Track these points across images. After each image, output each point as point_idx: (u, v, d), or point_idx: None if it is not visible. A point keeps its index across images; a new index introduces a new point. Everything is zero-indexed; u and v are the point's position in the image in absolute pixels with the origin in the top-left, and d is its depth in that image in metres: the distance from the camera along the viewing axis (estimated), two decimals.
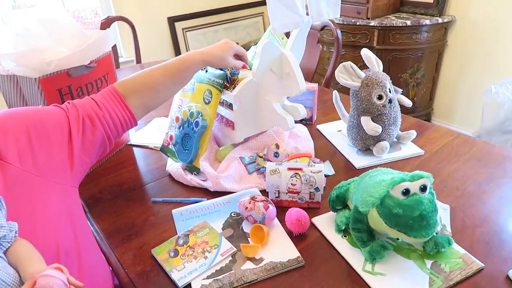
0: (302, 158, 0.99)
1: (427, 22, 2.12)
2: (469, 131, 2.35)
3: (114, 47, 2.05)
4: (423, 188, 0.64)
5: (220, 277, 0.69)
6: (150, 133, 1.25)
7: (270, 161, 0.97)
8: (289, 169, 0.83)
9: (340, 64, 0.98)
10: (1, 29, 0.86)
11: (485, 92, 1.78)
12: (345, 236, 0.77)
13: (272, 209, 0.78)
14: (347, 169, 1.00)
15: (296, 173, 0.83)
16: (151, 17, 2.64)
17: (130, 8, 2.52)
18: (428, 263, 0.70)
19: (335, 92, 1.13)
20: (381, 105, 0.97)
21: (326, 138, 1.16)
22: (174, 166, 1.01)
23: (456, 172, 0.96)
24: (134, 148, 1.18)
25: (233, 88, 0.94)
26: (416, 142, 1.09)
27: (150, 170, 1.06)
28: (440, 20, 2.14)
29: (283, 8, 0.71)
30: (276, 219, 0.81)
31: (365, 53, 1.00)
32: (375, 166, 1.00)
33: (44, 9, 0.87)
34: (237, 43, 0.91)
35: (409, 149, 1.06)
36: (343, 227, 0.76)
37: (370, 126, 0.97)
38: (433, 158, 1.03)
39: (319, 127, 1.21)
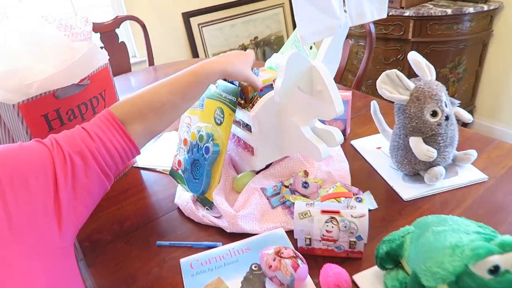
0: (337, 187, 0.82)
1: (471, 10, 1.86)
2: None
3: (124, 47, 1.91)
4: None
5: None
6: (159, 152, 1.10)
7: (298, 193, 0.81)
8: (324, 212, 0.66)
9: (383, 74, 0.79)
10: None
11: None
12: None
13: (303, 268, 0.62)
14: (391, 201, 0.82)
15: (333, 218, 0.66)
16: (165, 13, 2.49)
17: (142, 4, 2.37)
18: None
19: (373, 103, 0.94)
20: (436, 124, 0.77)
21: (363, 157, 0.97)
22: (183, 199, 0.85)
23: None
24: (141, 172, 1.03)
25: (251, 107, 0.77)
26: (476, 163, 0.89)
27: (157, 201, 0.91)
28: (485, 8, 1.88)
29: (315, 11, 0.53)
30: (308, 276, 0.65)
31: (414, 57, 0.80)
32: (428, 198, 0.81)
33: (21, 18, 0.72)
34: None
35: (468, 174, 0.86)
36: None
37: (422, 150, 0.78)
38: (500, 186, 0.83)
39: (354, 143, 1.02)
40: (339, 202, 0.73)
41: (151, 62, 1.97)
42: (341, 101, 0.63)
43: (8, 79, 0.70)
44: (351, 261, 0.69)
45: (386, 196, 0.84)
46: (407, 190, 0.83)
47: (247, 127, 0.80)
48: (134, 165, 1.05)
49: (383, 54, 2.06)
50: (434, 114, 0.77)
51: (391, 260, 0.61)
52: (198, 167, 0.84)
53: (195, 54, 2.67)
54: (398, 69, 2.00)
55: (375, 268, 0.66)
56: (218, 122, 0.80)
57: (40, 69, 0.72)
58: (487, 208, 0.77)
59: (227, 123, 0.78)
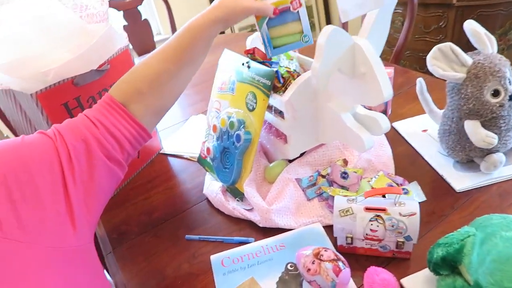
0: (380, 177, 0.75)
1: None
2: None
3: (148, 25, 1.85)
4: None
5: None
6: (186, 138, 1.05)
7: (336, 184, 0.74)
8: (367, 209, 0.59)
9: (434, 48, 0.69)
10: None
11: None
12: None
13: (346, 272, 0.55)
14: (442, 193, 0.73)
15: (378, 216, 0.58)
16: None
17: None
18: None
19: (420, 81, 0.84)
20: (498, 105, 0.67)
21: (407, 142, 0.88)
22: (212, 189, 0.80)
23: None
24: (168, 159, 0.99)
25: (284, 91, 0.70)
26: None
27: (186, 190, 0.87)
28: None
29: None
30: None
31: (471, 27, 0.69)
32: (484, 188, 0.72)
33: (34, 2, 0.67)
34: None
35: None
36: None
37: (480, 135, 0.68)
38: None
39: (396, 125, 0.93)
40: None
41: None
42: (389, 84, 0.54)
43: (23, 67, 0.66)
44: (398, 261, 0.62)
45: (435, 186, 0.75)
46: (460, 180, 0.74)
47: (280, 113, 0.73)
48: (160, 152, 1.01)
49: (423, 21, 1.88)
50: (495, 93, 0.67)
51: (447, 266, 0.53)
52: (228, 155, 0.78)
53: None
54: (441, 38, 1.82)
55: (426, 271, 0.58)
56: (250, 107, 0.73)
57: (55, 56, 0.68)
58: None
59: (260, 109, 0.71)
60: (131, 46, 0.85)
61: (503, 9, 1.73)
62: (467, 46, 0.72)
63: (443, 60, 0.69)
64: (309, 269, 0.56)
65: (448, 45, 0.68)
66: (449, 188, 0.74)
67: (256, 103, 0.73)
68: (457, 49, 0.68)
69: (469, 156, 0.75)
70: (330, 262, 0.55)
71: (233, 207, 0.75)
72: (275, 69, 0.70)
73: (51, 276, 0.45)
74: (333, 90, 0.61)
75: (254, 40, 0.84)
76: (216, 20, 0.61)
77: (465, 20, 0.70)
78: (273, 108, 0.74)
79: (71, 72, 0.69)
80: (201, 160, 0.90)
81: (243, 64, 0.76)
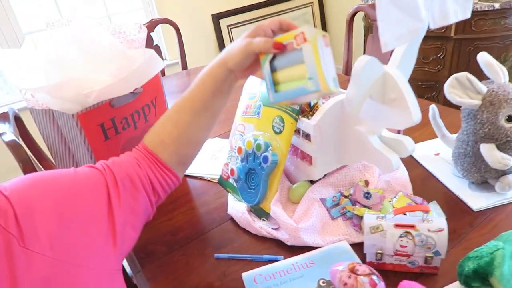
0: (400, 197, 0.78)
1: None
2: None
3: (159, 50, 1.91)
4: None
5: None
6: (203, 160, 1.08)
7: (359, 204, 0.77)
8: (397, 226, 0.62)
9: (451, 77, 0.74)
10: (32, 56, 0.72)
11: None
12: None
13: (381, 286, 0.58)
14: (460, 212, 0.77)
15: (408, 232, 0.62)
16: (194, 15, 2.49)
17: (172, 8, 2.37)
18: None
19: (432, 108, 0.89)
20: (511, 130, 0.72)
21: (421, 164, 0.92)
22: (238, 209, 0.83)
23: None
24: (188, 180, 1.01)
25: (312, 115, 0.74)
26: None
27: (209, 211, 0.89)
28: None
29: (399, 14, 0.49)
30: None
31: (485, 58, 0.75)
32: (499, 208, 0.76)
33: (78, 26, 0.71)
34: None
35: None
36: None
37: (496, 157, 0.73)
38: None
39: None
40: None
41: (184, 65, 1.97)
42: (418, 109, 0.59)
43: (66, 88, 0.69)
44: (426, 276, 0.64)
45: (453, 206, 0.79)
46: (477, 200, 0.78)
47: (307, 137, 0.77)
48: None
49: (422, 52, 1.98)
50: (510, 119, 0.72)
51: (479, 278, 0.56)
52: (253, 176, 0.81)
53: None
54: (439, 69, 1.91)
55: (455, 284, 0.61)
56: (277, 131, 0.77)
57: (97, 78, 0.71)
58: None
59: (288, 132, 0.75)
60: None
61: (499, 42, 1.84)
62: None
63: (459, 88, 0.74)
64: (345, 283, 0.58)
65: (464, 75, 0.73)
66: (466, 207, 0.78)
67: (283, 126, 0.76)
68: (473, 78, 0.73)
69: (484, 178, 0.79)
70: (366, 276, 0.58)
71: (260, 226, 0.78)
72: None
73: None
74: (362, 115, 0.65)
75: None
76: (218, 62, 0.61)
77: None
78: (300, 131, 0.78)
79: (110, 94, 0.73)
80: (222, 181, 0.92)
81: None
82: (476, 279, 0.57)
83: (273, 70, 0.59)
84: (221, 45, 2.62)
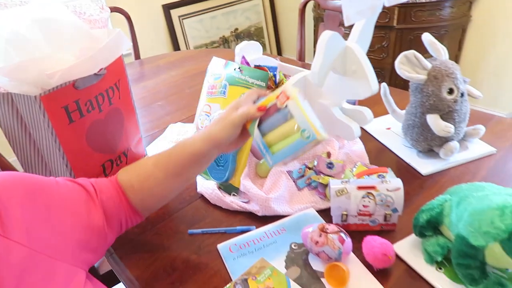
0: (359, 166, 0.85)
1: None
2: (500, 113, 2.22)
3: None
4: None
5: None
6: (167, 144, 1.08)
7: (323, 174, 0.82)
8: (360, 188, 0.68)
9: (401, 54, 0.82)
10: None
11: None
12: (440, 268, 0.62)
13: (349, 242, 0.64)
14: (411, 177, 0.86)
15: (369, 193, 0.68)
16: (145, 5, 2.43)
17: None
18: None
19: (383, 85, 0.98)
20: (452, 101, 0.81)
21: (375, 138, 1.01)
22: (208, 186, 0.85)
23: None
24: None
25: None
26: (482, 138, 0.94)
27: None
28: None
29: None
30: None
31: (429, 38, 0.84)
32: (444, 171, 0.86)
33: (38, 5, 0.68)
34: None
35: (478, 148, 0.91)
36: (439, 259, 0.62)
37: (440, 126, 0.82)
38: (508, 157, 0.89)
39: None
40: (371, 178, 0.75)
41: (137, 55, 1.92)
42: (376, 80, 0.65)
43: (27, 69, 0.67)
44: (385, 233, 0.71)
45: (405, 172, 0.87)
46: (425, 166, 0.87)
47: None
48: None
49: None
50: (450, 91, 0.81)
51: (431, 228, 0.64)
52: (222, 154, 0.84)
53: (176, 47, 2.63)
54: (383, 57, 2.05)
55: (411, 237, 0.69)
56: None
57: (60, 59, 0.69)
58: (501, 177, 0.82)
59: None
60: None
61: (435, 32, 2.01)
62: None
63: (408, 64, 0.82)
64: (317, 242, 0.63)
65: (412, 52, 0.82)
66: (416, 173, 0.87)
67: None
68: (420, 56, 0.82)
69: (430, 146, 0.88)
70: (335, 233, 0.63)
71: (231, 200, 0.80)
72: (269, 72, 0.78)
73: None
74: (325, 88, 0.70)
75: (243, 49, 0.91)
76: (202, 136, 0.62)
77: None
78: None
79: (75, 75, 0.71)
80: None
81: (235, 69, 0.84)
82: (429, 229, 0.64)
83: (262, 134, 0.61)
84: (173, 36, 2.59)
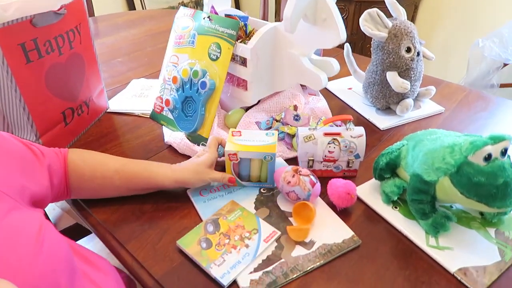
0: (323, 120, 0.88)
1: None
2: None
3: None
4: (504, 152, 0.56)
5: (270, 268, 0.58)
6: (131, 98, 1.05)
7: (290, 126, 0.85)
8: (326, 134, 0.72)
9: (365, 12, 0.86)
10: None
11: (472, 46, 1.76)
12: (395, 207, 0.68)
13: (318, 185, 0.67)
14: (370, 131, 0.91)
15: (335, 139, 0.72)
16: None
17: None
18: (491, 231, 0.64)
19: (347, 46, 1.01)
20: (410, 59, 0.87)
21: (337, 97, 1.05)
22: (176, 136, 0.84)
23: (482, 129, 0.91)
24: (116, 117, 0.98)
25: (248, 40, 0.78)
26: (432, 98, 1.01)
27: (144, 142, 0.88)
28: None
29: None
30: None
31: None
32: (399, 127, 0.92)
33: None
34: None
35: (429, 107, 0.99)
36: (395, 198, 0.68)
37: (398, 82, 0.87)
38: (454, 115, 0.97)
39: (327, 84, 1.09)
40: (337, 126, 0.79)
41: (91, 12, 1.81)
42: (344, 29, 0.67)
43: None
44: (347, 179, 0.76)
45: (365, 127, 0.90)
46: (382, 121, 0.93)
47: (243, 63, 0.81)
48: (107, 111, 0.99)
49: None
50: (408, 50, 0.86)
51: (389, 170, 0.69)
52: (190, 104, 0.84)
53: (131, 6, 2.50)
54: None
55: (371, 181, 0.74)
56: (214, 57, 0.79)
57: None
58: None
59: (224, 57, 0.78)
60: None
61: None
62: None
63: (371, 22, 0.86)
64: (289, 182, 0.66)
65: (375, 10, 0.85)
66: (374, 127, 0.92)
67: (220, 52, 0.79)
68: (382, 14, 0.85)
69: (388, 103, 0.94)
70: (307, 176, 0.66)
71: (200, 149, 0.81)
72: (240, 21, 0.77)
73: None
74: (294, 37, 0.72)
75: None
76: (177, 180, 0.68)
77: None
78: (236, 58, 0.82)
79: (32, 9, 0.67)
80: (155, 115, 0.92)
81: (204, 18, 0.82)
82: (388, 171, 0.70)
83: (245, 179, 0.73)
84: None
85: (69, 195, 0.66)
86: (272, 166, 0.70)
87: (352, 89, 1.07)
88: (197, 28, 0.84)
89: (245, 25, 0.79)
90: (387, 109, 0.96)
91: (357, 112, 0.98)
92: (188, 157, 0.82)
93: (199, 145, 0.83)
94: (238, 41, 0.80)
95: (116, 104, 1.01)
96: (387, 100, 0.93)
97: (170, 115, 0.88)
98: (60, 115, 0.81)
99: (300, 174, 0.66)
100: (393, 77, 0.87)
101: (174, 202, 0.71)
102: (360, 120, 0.95)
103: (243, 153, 0.69)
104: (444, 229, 0.62)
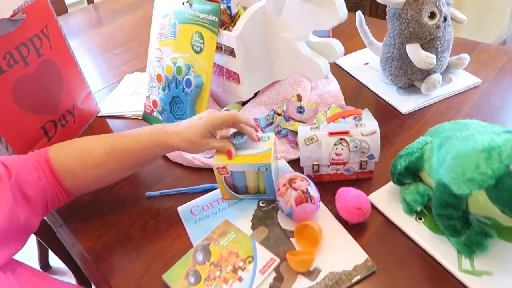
0: (333, 108, 0.76)
1: None
2: (486, 40, 2.12)
3: None
4: None
5: None
6: (123, 97, 0.96)
7: (293, 120, 0.74)
8: (331, 134, 0.60)
9: None
10: None
11: None
12: (420, 219, 0.57)
13: (306, 208, 0.54)
14: (390, 116, 0.78)
15: (342, 139, 0.60)
16: None
17: None
18: None
19: (359, 14, 0.86)
20: (434, 26, 0.71)
21: (351, 75, 0.91)
22: None
23: None
24: (108, 121, 0.90)
25: (233, 26, 0.66)
26: (466, 68, 0.85)
27: None
28: None
29: None
30: (320, 202, 0.60)
31: None
32: (425, 108, 0.78)
33: None
34: None
35: (462, 79, 0.83)
36: (419, 208, 0.56)
37: (421, 56, 0.72)
38: (494, 88, 0.81)
39: (339, 61, 0.95)
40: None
41: (90, 0, 1.71)
42: (344, 4, 0.53)
43: None
44: (362, 182, 0.65)
45: (384, 111, 0.79)
46: (405, 103, 0.79)
47: (231, 52, 0.69)
48: (98, 115, 0.92)
49: None
50: (432, 15, 0.70)
51: (410, 175, 0.57)
52: (178, 104, 0.74)
53: None
54: None
55: (389, 185, 0.62)
56: (198, 49, 0.68)
57: None
58: (486, 112, 0.75)
59: (208, 49, 0.67)
60: None
61: None
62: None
63: None
64: (278, 189, 0.57)
65: None
66: (395, 111, 0.79)
67: (203, 43, 0.68)
68: None
69: (411, 80, 0.79)
70: (297, 191, 0.55)
71: (193, 156, 0.72)
72: (222, 4, 0.65)
73: None
74: (286, 18, 0.59)
75: None
76: (170, 148, 0.60)
77: None
78: (223, 47, 0.70)
79: None
80: (147, 117, 0.84)
81: (183, 3, 0.71)
82: (408, 176, 0.57)
83: (242, 193, 0.64)
84: None
85: (69, 195, 0.59)
86: (269, 176, 0.60)
87: (369, 64, 0.92)
88: (177, 15, 0.72)
89: (229, 7, 0.67)
90: (411, 87, 0.82)
91: (375, 93, 0.84)
92: (180, 165, 0.74)
93: None
94: (223, 27, 0.68)
95: (107, 106, 0.94)
96: (409, 77, 0.78)
97: (160, 117, 0.80)
98: (39, 131, 0.75)
99: (291, 186, 0.55)
100: (414, 51, 0.72)
101: (163, 223, 0.64)
102: (378, 103, 0.81)
103: (234, 165, 0.59)
104: (482, 248, 0.50)
